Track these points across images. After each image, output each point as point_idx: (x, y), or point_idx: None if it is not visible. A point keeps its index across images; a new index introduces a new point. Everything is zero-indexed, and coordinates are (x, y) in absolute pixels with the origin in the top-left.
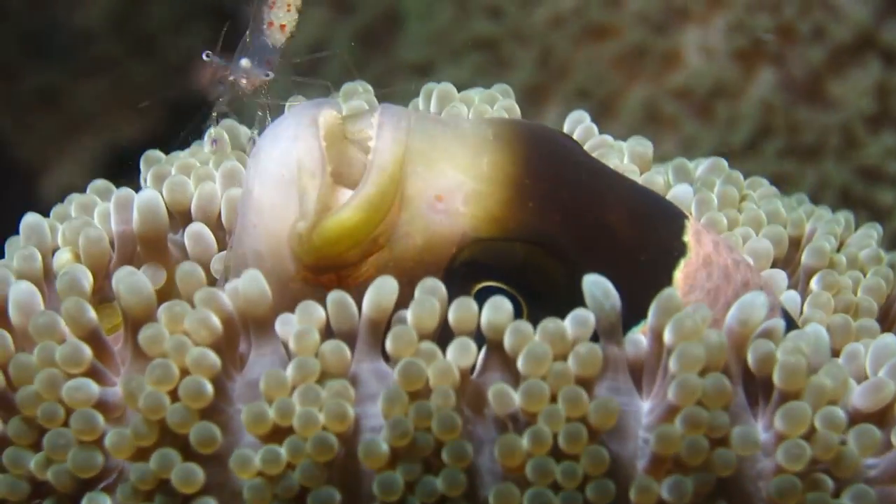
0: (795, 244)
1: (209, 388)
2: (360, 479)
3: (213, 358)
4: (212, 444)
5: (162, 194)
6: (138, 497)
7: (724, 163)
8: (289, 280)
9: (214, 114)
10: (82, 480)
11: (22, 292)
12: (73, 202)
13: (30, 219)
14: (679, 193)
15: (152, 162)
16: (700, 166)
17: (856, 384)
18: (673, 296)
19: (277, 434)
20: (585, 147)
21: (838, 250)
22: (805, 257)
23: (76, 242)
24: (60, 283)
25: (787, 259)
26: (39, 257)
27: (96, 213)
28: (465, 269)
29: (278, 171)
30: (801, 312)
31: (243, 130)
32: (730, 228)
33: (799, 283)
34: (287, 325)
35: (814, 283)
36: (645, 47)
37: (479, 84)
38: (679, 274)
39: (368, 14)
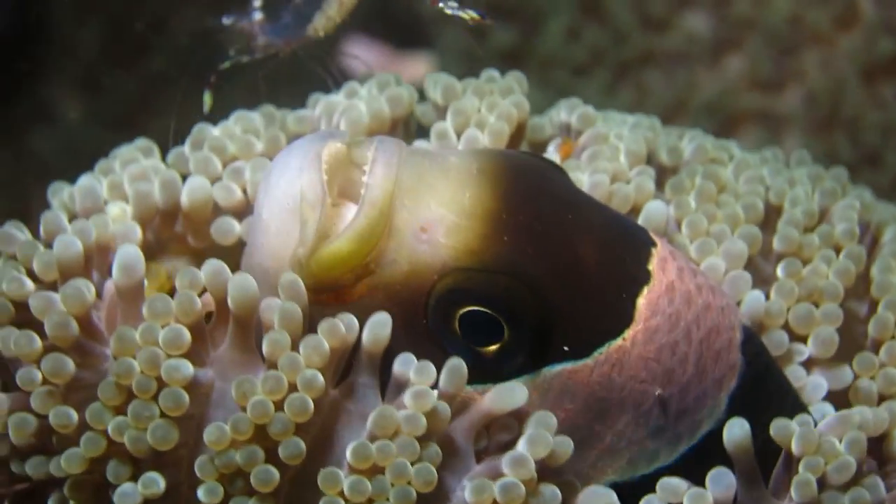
0: (777, 212)
1: (312, 406)
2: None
3: (322, 382)
4: (299, 458)
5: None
6: (213, 475)
7: (709, 145)
8: None
9: (226, 64)
10: (156, 451)
11: (129, 256)
12: (118, 158)
13: (84, 182)
14: (652, 209)
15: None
16: (687, 148)
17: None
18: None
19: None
20: (582, 139)
21: (821, 220)
22: (776, 243)
23: (125, 197)
24: (182, 277)
25: (766, 225)
26: (92, 229)
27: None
28: (449, 295)
29: (284, 199)
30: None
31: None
32: (708, 223)
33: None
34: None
35: (779, 271)
36: (769, 65)
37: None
38: (642, 300)
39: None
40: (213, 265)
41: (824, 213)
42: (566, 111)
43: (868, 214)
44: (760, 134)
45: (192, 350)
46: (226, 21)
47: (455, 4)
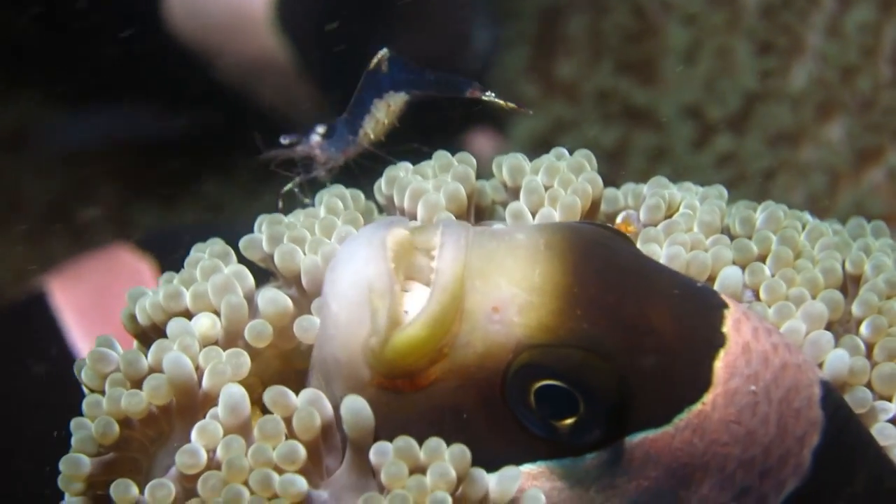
0: (853, 280)
1: None
2: None
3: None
4: None
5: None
6: None
7: (781, 214)
8: (365, 384)
9: (287, 187)
10: None
11: (233, 396)
12: (197, 267)
13: (175, 324)
14: (728, 275)
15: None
16: (759, 217)
17: None
18: None
19: None
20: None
21: None
22: (855, 309)
23: (210, 307)
24: (303, 399)
25: (842, 292)
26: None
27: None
28: (524, 371)
29: (352, 290)
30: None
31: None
32: (787, 287)
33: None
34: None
35: (863, 329)
36: None
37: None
38: (719, 364)
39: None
40: (311, 394)
41: None
42: (650, 186)
43: None
44: None
45: (305, 468)
46: (284, 140)
47: (492, 94)
